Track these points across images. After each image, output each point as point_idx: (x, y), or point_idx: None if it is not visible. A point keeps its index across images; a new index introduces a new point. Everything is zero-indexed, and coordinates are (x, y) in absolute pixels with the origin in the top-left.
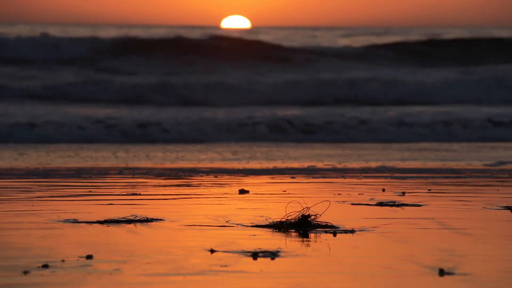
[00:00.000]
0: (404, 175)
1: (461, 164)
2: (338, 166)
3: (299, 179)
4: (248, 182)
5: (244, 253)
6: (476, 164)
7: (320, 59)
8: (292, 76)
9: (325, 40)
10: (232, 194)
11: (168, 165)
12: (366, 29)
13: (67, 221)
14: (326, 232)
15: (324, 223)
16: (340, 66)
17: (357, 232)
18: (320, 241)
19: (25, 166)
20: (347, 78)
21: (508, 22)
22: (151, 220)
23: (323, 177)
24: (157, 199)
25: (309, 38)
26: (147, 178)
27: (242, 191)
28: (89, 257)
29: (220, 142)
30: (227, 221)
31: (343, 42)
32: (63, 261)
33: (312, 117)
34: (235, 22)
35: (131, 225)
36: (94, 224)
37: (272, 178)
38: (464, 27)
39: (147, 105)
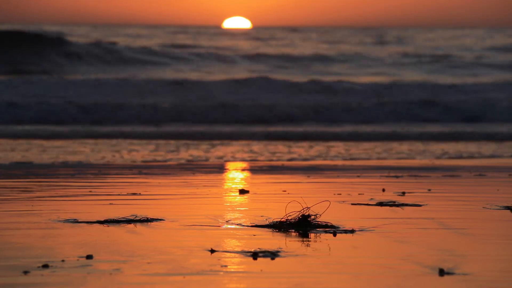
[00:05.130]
0: (404, 174)
1: None
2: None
3: (299, 178)
4: (248, 182)
5: (244, 253)
6: None
7: None
8: None
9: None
10: (232, 194)
11: None
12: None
13: (67, 221)
14: (326, 232)
15: (324, 223)
16: None
17: (357, 232)
18: (320, 241)
19: None
20: None
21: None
22: (151, 220)
23: (323, 177)
24: (157, 199)
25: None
26: (147, 178)
27: (242, 191)
28: (89, 257)
29: None
30: (227, 221)
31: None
32: (63, 261)
33: None
34: (236, 23)
35: (131, 225)
36: (94, 224)
37: (272, 178)
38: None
39: None
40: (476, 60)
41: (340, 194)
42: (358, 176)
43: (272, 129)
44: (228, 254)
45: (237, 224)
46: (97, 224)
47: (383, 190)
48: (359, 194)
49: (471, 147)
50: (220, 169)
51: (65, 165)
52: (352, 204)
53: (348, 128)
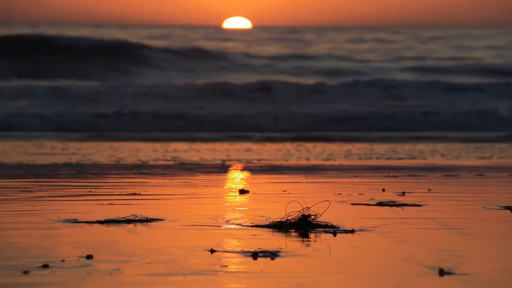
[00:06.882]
0: (404, 174)
1: None
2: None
3: (299, 178)
4: (248, 182)
5: (244, 253)
6: None
7: None
8: None
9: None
10: (232, 194)
11: None
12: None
13: (67, 221)
14: (326, 232)
15: (324, 223)
16: None
17: (357, 232)
18: (320, 241)
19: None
20: None
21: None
22: (151, 220)
23: (323, 177)
24: (157, 199)
25: None
26: (147, 178)
27: (242, 191)
28: (89, 257)
29: None
30: (227, 221)
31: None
32: (63, 261)
33: None
34: (236, 23)
35: (131, 225)
36: (94, 224)
37: (272, 178)
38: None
39: None
40: None
41: (340, 194)
42: (357, 176)
43: None
44: (228, 254)
45: (237, 224)
46: (97, 224)
47: (383, 190)
48: (359, 194)
49: None
50: (220, 169)
51: (65, 165)
52: (352, 204)
53: None
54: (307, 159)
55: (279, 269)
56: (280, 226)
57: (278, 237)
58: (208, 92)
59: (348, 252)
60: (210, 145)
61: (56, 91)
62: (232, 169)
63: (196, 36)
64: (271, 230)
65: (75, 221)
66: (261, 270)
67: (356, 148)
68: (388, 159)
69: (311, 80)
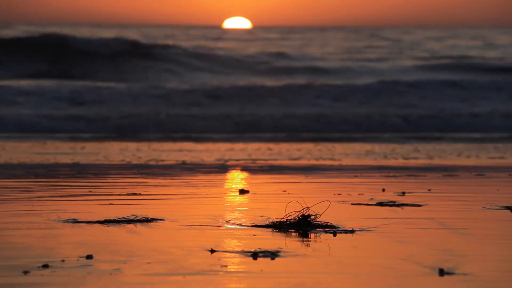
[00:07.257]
0: (404, 174)
1: None
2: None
3: (299, 178)
4: (248, 182)
5: (244, 253)
6: None
7: None
8: None
9: None
10: (232, 194)
11: None
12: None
13: (67, 221)
14: (326, 232)
15: (324, 223)
16: None
17: (357, 232)
18: (320, 241)
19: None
20: None
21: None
22: (151, 220)
23: (323, 177)
24: (157, 199)
25: None
26: (147, 178)
27: (242, 191)
28: (89, 257)
29: None
30: (227, 221)
31: None
32: (63, 261)
33: None
34: (237, 23)
35: (131, 225)
36: (94, 224)
37: (272, 178)
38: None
39: None
40: None
41: (340, 194)
42: (357, 176)
43: None
44: (228, 254)
45: (237, 224)
46: (97, 224)
47: (383, 190)
48: (359, 194)
49: None
50: (220, 169)
51: (66, 165)
52: (352, 204)
53: None
54: (308, 158)
55: (279, 269)
56: (280, 226)
57: (278, 237)
58: (208, 92)
59: (348, 252)
60: (210, 145)
61: (75, 92)
62: (232, 169)
63: (196, 36)
64: (271, 230)
65: (75, 221)
66: (261, 270)
67: (357, 148)
68: (388, 158)
69: (311, 80)
